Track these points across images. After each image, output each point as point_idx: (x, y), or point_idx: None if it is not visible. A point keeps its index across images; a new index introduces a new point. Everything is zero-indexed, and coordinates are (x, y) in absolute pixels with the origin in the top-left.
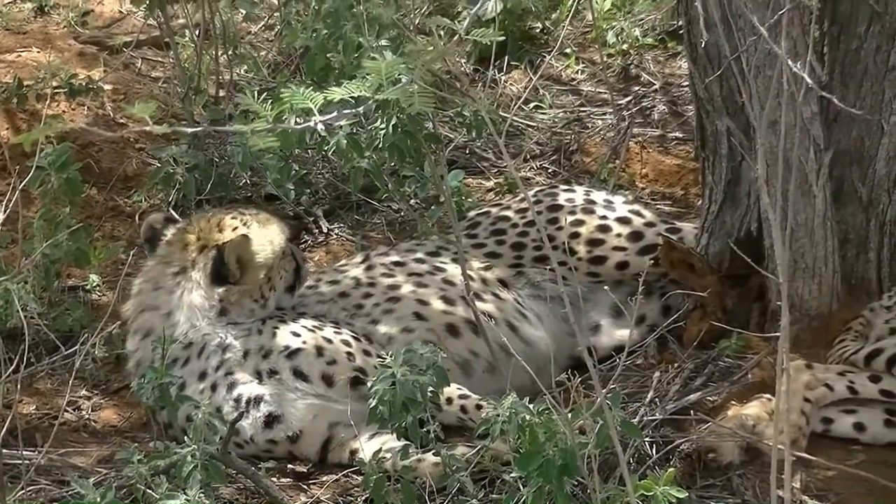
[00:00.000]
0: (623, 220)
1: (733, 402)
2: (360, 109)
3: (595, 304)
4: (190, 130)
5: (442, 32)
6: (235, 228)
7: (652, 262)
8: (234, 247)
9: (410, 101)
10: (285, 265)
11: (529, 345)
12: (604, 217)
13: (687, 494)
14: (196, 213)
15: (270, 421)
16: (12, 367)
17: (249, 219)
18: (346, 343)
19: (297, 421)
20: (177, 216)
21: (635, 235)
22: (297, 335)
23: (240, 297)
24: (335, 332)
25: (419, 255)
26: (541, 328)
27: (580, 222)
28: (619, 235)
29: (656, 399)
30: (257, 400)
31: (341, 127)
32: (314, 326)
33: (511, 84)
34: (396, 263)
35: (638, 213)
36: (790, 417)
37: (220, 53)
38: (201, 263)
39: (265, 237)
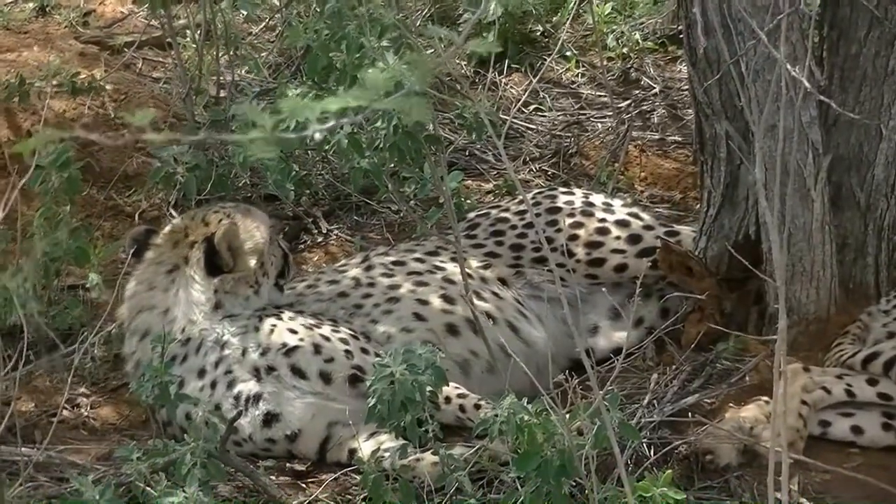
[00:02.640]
0: (622, 223)
1: (731, 405)
2: (359, 117)
3: (593, 306)
4: (189, 139)
5: (441, 37)
6: (220, 220)
7: (650, 264)
8: (224, 235)
9: (409, 110)
10: (274, 251)
11: (529, 345)
12: (602, 220)
13: (685, 496)
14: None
15: (269, 419)
16: (11, 364)
17: (231, 210)
18: (344, 341)
19: (296, 420)
20: (175, 214)
21: (634, 238)
22: (295, 332)
23: (235, 286)
24: (333, 331)
25: (418, 254)
26: (540, 328)
27: (579, 224)
28: (617, 238)
29: (654, 401)
30: (256, 398)
31: (342, 128)
32: (311, 324)
33: (511, 87)
34: (396, 263)
35: (637, 216)
36: (787, 420)
37: (221, 54)
38: (194, 258)
39: (251, 224)
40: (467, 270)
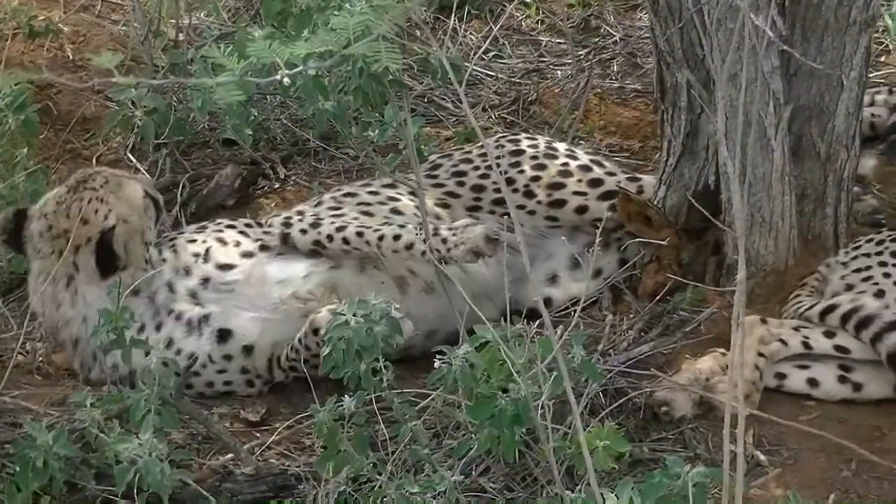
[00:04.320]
0: (584, 168)
1: (687, 356)
2: (328, 62)
3: (551, 254)
4: (155, 82)
5: None
6: (103, 215)
7: (610, 209)
8: (118, 238)
9: (378, 56)
10: (149, 213)
11: (468, 276)
12: (565, 164)
13: (629, 447)
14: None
15: (223, 335)
16: None
17: (104, 193)
18: (243, 233)
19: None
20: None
21: (595, 182)
22: (194, 241)
23: (133, 276)
24: (229, 228)
25: (374, 188)
26: (484, 267)
27: (541, 167)
28: (579, 181)
29: (610, 350)
30: (205, 318)
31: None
32: (204, 233)
33: (471, 34)
34: (348, 195)
35: (599, 164)
36: (744, 372)
37: None
38: (84, 267)
39: (128, 205)
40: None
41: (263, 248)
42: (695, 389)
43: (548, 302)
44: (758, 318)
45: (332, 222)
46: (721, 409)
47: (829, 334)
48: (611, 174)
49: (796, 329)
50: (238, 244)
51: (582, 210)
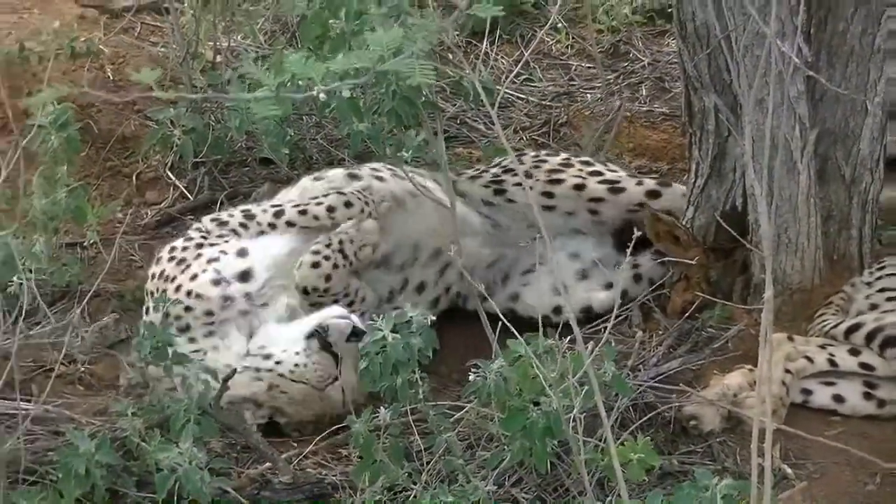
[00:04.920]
0: (587, 163)
1: (715, 372)
2: (364, 78)
3: (562, 264)
4: (194, 97)
5: (435, 5)
6: None
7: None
8: None
9: (411, 72)
10: None
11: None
12: (567, 158)
13: (660, 461)
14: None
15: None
16: (11, 319)
17: None
18: None
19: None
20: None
21: (595, 172)
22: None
23: None
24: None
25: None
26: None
27: (544, 161)
28: (580, 170)
29: (639, 365)
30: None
31: (340, 92)
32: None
33: (502, 58)
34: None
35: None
36: (771, 388)
37: (217, 20)
38: None
39: None
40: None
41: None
42: (723, 404)
43: (559, 310)
44: (785, 335)
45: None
46: (748, 423)
47: (854, 352)
48: (613, 171)
49: (822, 347)
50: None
51: (579, 188)
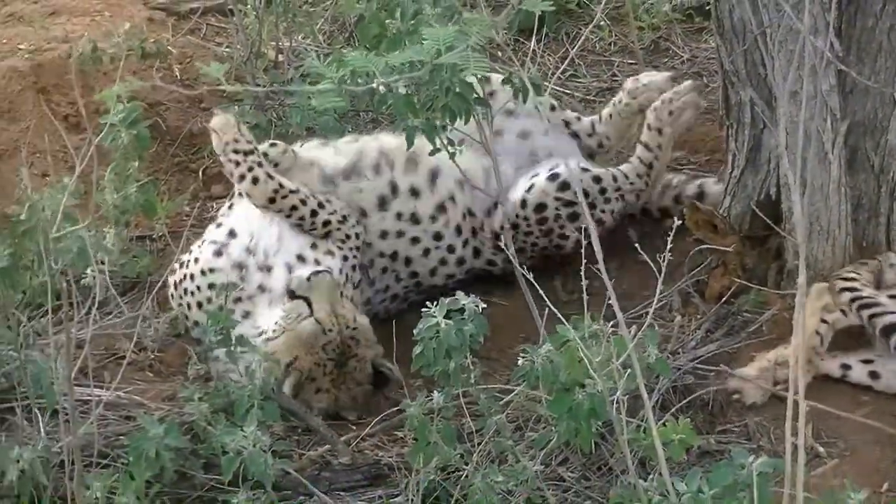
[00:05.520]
0: None
1: (753, 354)
2: (420, 73)
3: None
4: (258, 89)
5: (485, 4)
6: None
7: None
8: None
9: (466, 65)
10: None
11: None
12: None
13: (700, 441)
14: None
15: None
16: (85, 309)
17: None
18: None
19: None
20: None
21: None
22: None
23: None
24: None
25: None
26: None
27: None
28: None
29: (678, 349)
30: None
31: (398, 88)
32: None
33: (548, 55)
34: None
35: None
36: (806, 338)
37: (279, 21)
38: None
39: None
40: None
41: None
42: (762, 383)
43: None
44: (826, 285)
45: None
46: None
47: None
48: None
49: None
50: None
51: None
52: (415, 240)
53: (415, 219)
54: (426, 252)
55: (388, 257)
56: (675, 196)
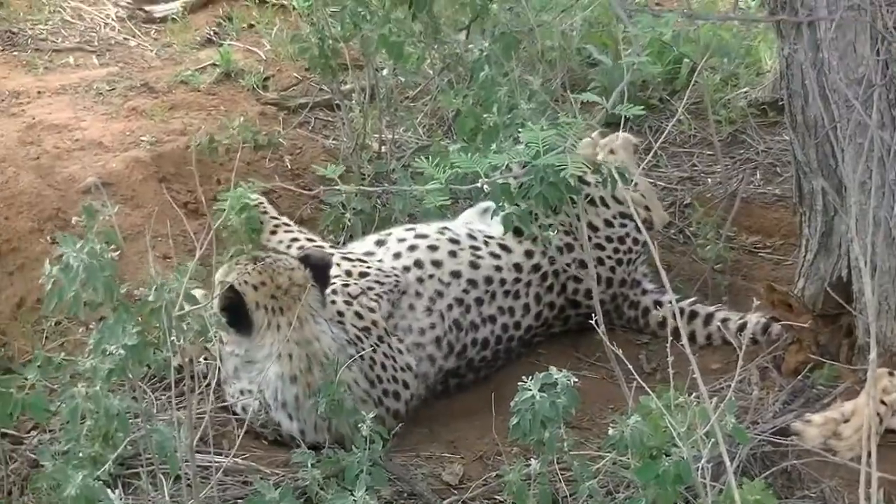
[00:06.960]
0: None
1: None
2: (522, 171)
3: None
4: (372, 189)
5: (574, 101)
6: None
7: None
8: None
9: (564, 165)
10: None
11: None
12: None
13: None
14: None
15: None
16: (206, 382)
17: None
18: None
19: None
20: None
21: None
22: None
23: None
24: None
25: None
26: None
27: None
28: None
29: (757, 419)
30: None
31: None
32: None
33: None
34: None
35: None
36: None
37: (382, 115)
38: None
39: None
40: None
41: None
42: (827, 456)
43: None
44: (886, 370)
45: None
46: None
47: None
48: None
49: None
50: None
51: None
52: None
53: None
54: None
55: None
56: None
